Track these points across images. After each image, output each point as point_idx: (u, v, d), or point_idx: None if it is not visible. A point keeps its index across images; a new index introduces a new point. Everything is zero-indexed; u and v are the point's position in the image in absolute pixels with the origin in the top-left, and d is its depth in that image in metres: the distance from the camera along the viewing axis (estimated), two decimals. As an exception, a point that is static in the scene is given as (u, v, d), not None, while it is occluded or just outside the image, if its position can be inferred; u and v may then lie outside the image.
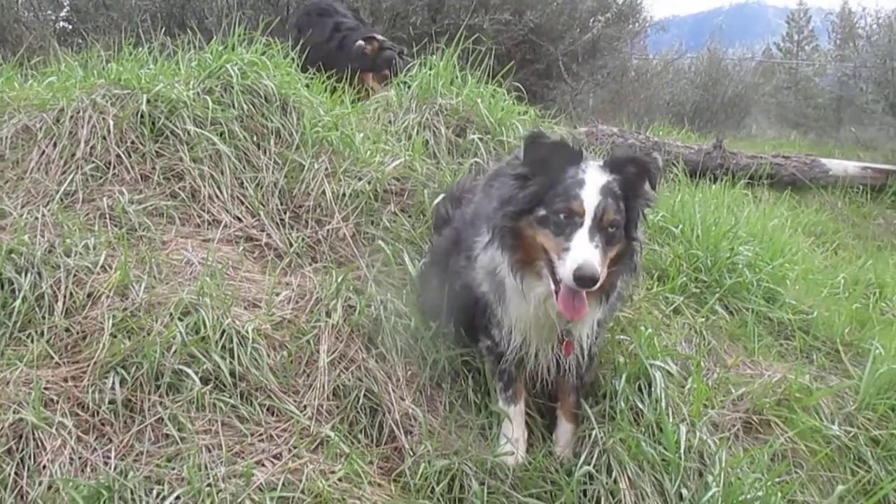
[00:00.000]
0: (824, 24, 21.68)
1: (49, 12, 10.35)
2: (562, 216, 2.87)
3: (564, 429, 3.50)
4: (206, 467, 2.91)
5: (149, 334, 3.22)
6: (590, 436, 3.34)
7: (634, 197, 3.03)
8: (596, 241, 2.83)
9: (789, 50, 25.74)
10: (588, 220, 2.85)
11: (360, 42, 7.17)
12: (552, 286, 2.94)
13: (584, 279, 2.76)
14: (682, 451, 3.26)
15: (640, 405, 3.45)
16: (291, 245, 4.09)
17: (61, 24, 10.63)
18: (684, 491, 3.17)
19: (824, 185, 9.55)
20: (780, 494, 3.16)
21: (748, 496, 3.10)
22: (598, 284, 2.80)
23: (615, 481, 3.20)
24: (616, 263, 3.02)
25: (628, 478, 3.20)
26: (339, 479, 3.00)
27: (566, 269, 2.80)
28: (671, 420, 3.37)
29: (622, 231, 2.97)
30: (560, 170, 2.97)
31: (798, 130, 18.88)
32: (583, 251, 2.79)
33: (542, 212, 2.93)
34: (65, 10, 10.69)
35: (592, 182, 2.91)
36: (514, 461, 3.30)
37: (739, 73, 18.00)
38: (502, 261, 3.11)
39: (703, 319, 4.24)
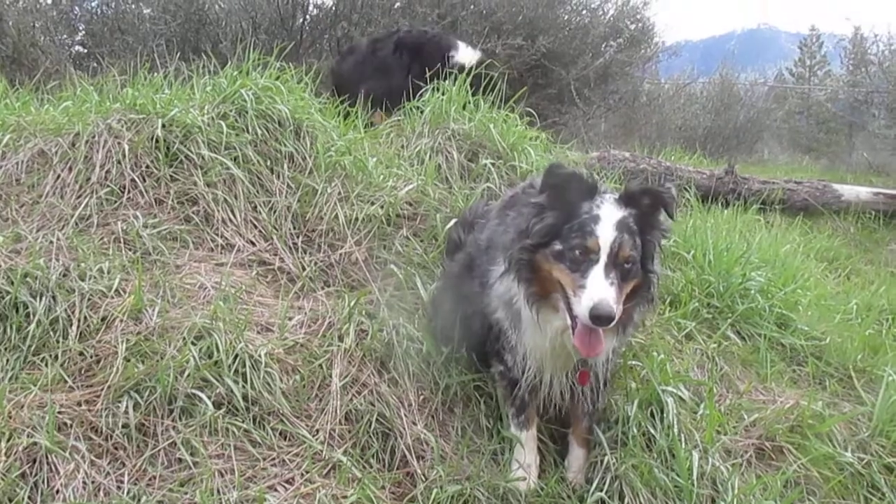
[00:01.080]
0: (836, 50, 21.73)
1: (65, 36, 10.46)
2: (577, 252, 2.87)
3: (576, 454, 3.49)
4: (218, 492, 2.91)
5: (162, 358, 3.23)
6: (602, 462, 3.34)
7: (650, 230, 3.04)
8: (612, 278, 2.83)
9: (801, 75, 25.84)
10: (604, 257, 2.84)
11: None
12: (569, 321, 2.93)
13: (600, 318, 2.76)
14: (694, 477, 3.24)
15: (653, 431, 3.44)
16: (304, 269, 4.12)
17: (77, 48, 10.73)
18: (697, 518, 3.15)
19: (836, 210, 9.51)
20: (793, 522, 3.14)
21: (762, 524, 3.08)
22: (613, 322, 2.81)
23: (628, 506, 3.19)
24: (633, 296, 3.02)
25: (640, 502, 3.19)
26: (352, 504, 3.00)
27: (582, 307, 2.80)
28: (684, 446, 3.36)
29: (638, 265, 2.96)
30: (576, 203, 2.98)
31: (810, 155, 18.88)
32: (598, 289, 2.79)
33: (558, 246, 2.93)
34: (80, 34, 10.80)
35: (608, 217, 2.91)
36: (525, 487, 3.29)
37: (751, 98, 18.01)
38: (518, 292, 3.11)
39: (716, 345, 4.23)
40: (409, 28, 8.13)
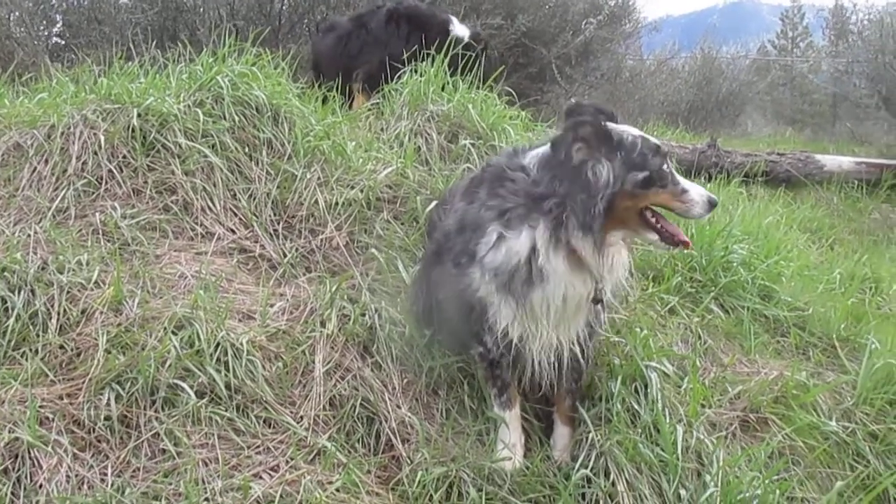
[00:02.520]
0: (818, 21, 21.71)
1: (42, 28, 10.36)
2: (664, 167, 3.06)
3: (561, 433, 3.50)
4: (203, 481, 2.90)
5: (143, 349, 3.21)
6: (587, 439, 3.33)
7: None
8: None
9: (784, 47, 25.83)
10: (671, 166, 3.12)
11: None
12: (653, 236, 3.14)
13: (714, 202, 3.12)
14: (679, 451, 3.24)
15: (637, 407, 3.43)
16: (285, 255, 4.09)
17: (54, 39, 10.64)
18: (682, 491, 3.15)
19: (819, 181, 9.55)
20: (778, 492, 3.15)
21: (746, 494, 3.08)
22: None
23: (613, 484, 3.18)
24: None
25: (626, 480, 3.19)
26: (337, 490, 2.98)
27: (699, 203, 3.09)
28: (668, 421, 3.36)
29: None
30: (613, 134, 3.05)
31: (794, 127, 18.91)
32: (695, 185, 3.12)
33: (640, 175, 3.03)
34: (58, 25, 10.71)
35: (644, 134, 3.12)
36: (511, 466, 3.28)
37: (733, 72, 18.01)
38: (549, 248, 3.07)
39: (699, 319, 4.24)
40: (397, 1, 8.01)
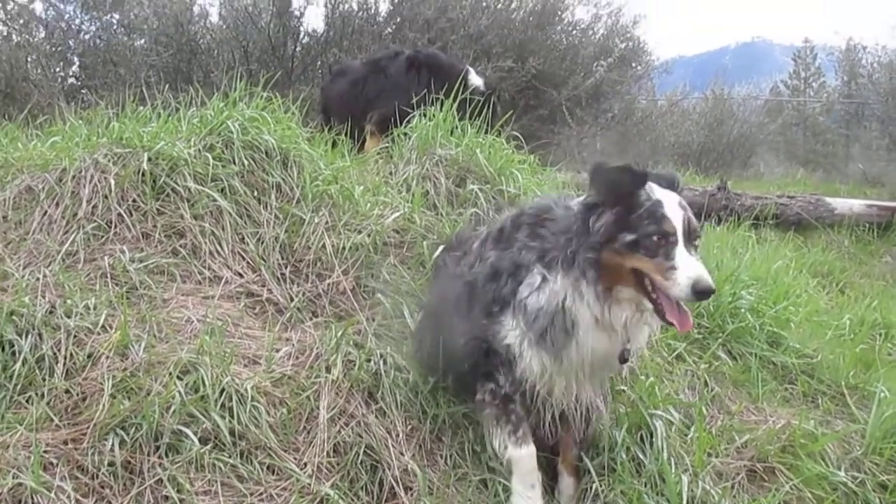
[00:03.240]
0: (830, 62, 21.79)
1: (58, 70, 10.51)
2: (655, 238, 2.94)
3: (567, 483, 3.47)
4: (205, 528, 2.90)
5: (148, 394, 3.21)
6: (591, 489, 3.33)
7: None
8: (692, 254, 2.94)
9: (797, 87, 25.84)
10: (680, 237, 2.94)
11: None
12: (648, 306, 3.03)
13: (704, 292, 2.89)
14: (684, 501, 3.23)
15: (642, 456, 3.43)
16: (292, 300, 4.11)
17: (70, 81, 10.79)
18: (688, 543, 3.13)
19: (830, 224, 9.53)
20: (785, 544, 3.12)
21: (753, 547, 3.06)
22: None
23: (618, 535, 3.17)
24: None
25: (631, 531, 3.18)
26: (339, 538, 2.98)
27: (681, 286, 2.88)
28: (673, 470, 3.35)
29: None
30: (633, 194, 3.01)
31: (806, 168, 18.89)
32: (693, 266, 2.89)
33: (628, 237, 2.97)
34: (74, 66, 10.86)
35: (669, 200, 3.00)
36: None
37: (744, 113, 18.06)
38: (582, 293, 3.10)
39: (706, 366, 4.23)
40: (415, 49, 8.10)
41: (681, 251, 2.91)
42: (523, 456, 3.33)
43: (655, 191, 3.03)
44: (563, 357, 3.21)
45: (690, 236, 2.96)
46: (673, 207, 2.97)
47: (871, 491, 3.71)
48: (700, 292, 2.87)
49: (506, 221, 3.59)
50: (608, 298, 3.08)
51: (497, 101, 6.80)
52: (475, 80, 7.00)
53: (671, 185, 3.14)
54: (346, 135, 6.03)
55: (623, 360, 3.22)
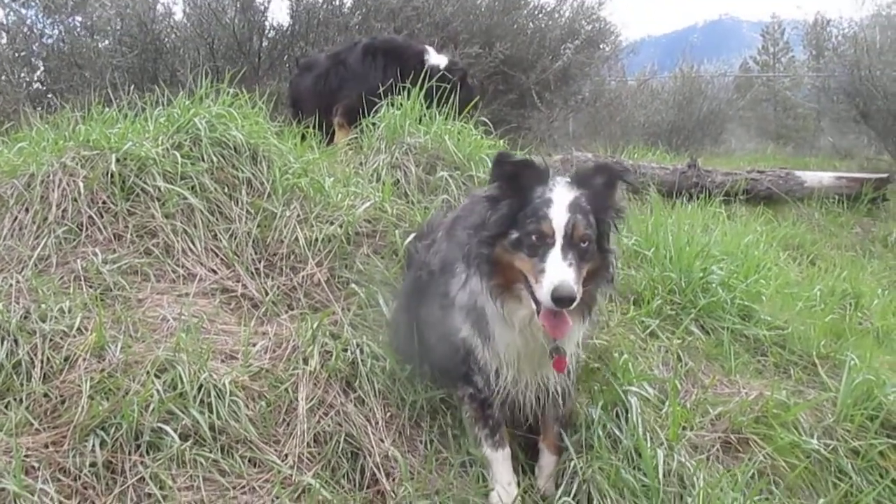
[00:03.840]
0: (798, 36, 21.91)
1: (22, 75, 10.41)
2: (534, 237, 2.90)
3: (547, 461, 3.49)
4: (189, 524, 2.92)
5: (126, 394, 3.23)
6: (569, 467, 3.36)
7: (604, 209, 3.06)
8: (570, 259, 2.85)
9: (766, 63, 25.99)
10: (559, 239, 2.87)
11: None
12: (534, 306, 2.95)
13: (562, 300, 2.78)
14: (661, 475, 3.28)
15: (618, 432, 3.47)
16: (267, 294, 4.13)
17: (35, 85, 10.69)
18: (666, 515, 3.19)
19: (800, 197, 9.63)
20: (760, 512, 3.18)
21: (728, 516, 3.12)
22: (575, 303, 2.82)
23: (596, 510, 3.22)
24: (593, 277, 3.05)
25: (609, 504, 3.23)
26: (323, 527, 3.01)
27: (543, 291, 2.82)
28: (649, 445, 3.40)
29: (594, 245, 2.98)
30: (528, 189, 3.00)
31: (777, 143, 19.03)
32: (558, 272, 2.81)
33: (514, 234, 2.96)
34: (39, 71, 10.76)
35: (560, 200, 2.94)
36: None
37: (714, 90, 18.14)
38: (481, 289, 3.12)
39: (679, 341, 4.28)
40: (373, 36, 8.07)
41: (554, 255, 2.86)
42: (499, 458, 3.38)
43: (555, 189, 2.99)
44: (496, 351, 3.25)
45: (572, 240, 2.88)
46: (560, 208, 2.91)
47: (843, 457, 3.77)
48: (557, 299, 2.78)
49: (459, 210, 3.62)
50: (502, 295, 3.06)
51: (462, 82, 6.77)
52: (435, 60, 6.96)
53: (584, 182, 3.04)
54: (315, 128, 6.02)
55: (551, 356, 3.18)
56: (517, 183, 3.03)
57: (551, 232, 2.88)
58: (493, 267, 3.04)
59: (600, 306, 3.41)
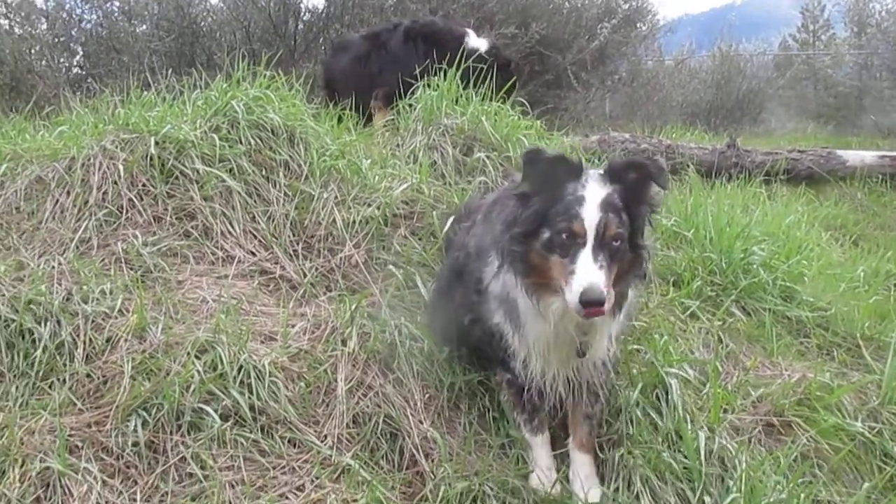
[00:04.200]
0: (839, 13, 21.49)
1: (62, 60, 10.53)
2: (564, 237, 2.83)
3: (581, 461, 3.33)
4: (230, 503, 2.94)
5: (168, 375, 3.27)
6: (611, 457, 3.34)
7: (638, 204, 2.97)
8: (601, 261, 2.79)
9: (805, 41, 25.49)
10: (591, 239, 2.80)
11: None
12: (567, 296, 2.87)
13: (590, 303, 2.72)
14: (702, 457, 3.24)
15: (658, 415, 3.44)
16: (305, 275, 4.14)
17: (74, 70, 10.80)
18: (707, 498, 3.15)
19: (842, 176, 9.43)
20: (803, 495, 3.13)
21: (771, 499, 3.07)
22: (605, 306, 2.76)
23: (637, 496, 3.19)
24: (624, 276, 2.98)
25: (650, 489, 3.20)
26: (362, 507, 3.02)
27: (572, 293, 2.75)
28: (690, 427, 3.36)
29: (626, 244, 2.91)
30: (560, 186, 2.93)
31: (818, 122, 18.71)
32: (587, 274, 2.75)
33: (546, 234, 2.90)
34: (78, 56, 10.87)
35: (592, 197, 2.86)
36: (546, 490, 3.24)
37: (753, 69, 17.87)
38: (514, 284, 3.08)
39: (720, 323, 4.23)
40: (413, 19, 8.02)
41: (585, 255, 2.79)
42: (538, 442, 3.38)
43: (587, 185, 2.91)
44: (526, 341, 3.22)
45: (604, 240, 2.81)
46: (592, 206, 2.84)
47: (888, 440, 3.70)
48: (585, 302, 2.72)
49: (499, 193, 3.58)
50: (538, 291, 3.00)
51: (504, 65, 6.72)
52: (475, 42, 6.94)
53: (616, 177, 2.96)
54: (351, 109, 6.01)
55: (580, 354, 3.16)
56: (549, 179, 2.96)
57: (583, 231, 2.81)
58: (526, 266, 2.99)
59: (633, 305, 3.36)
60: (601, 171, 3.01)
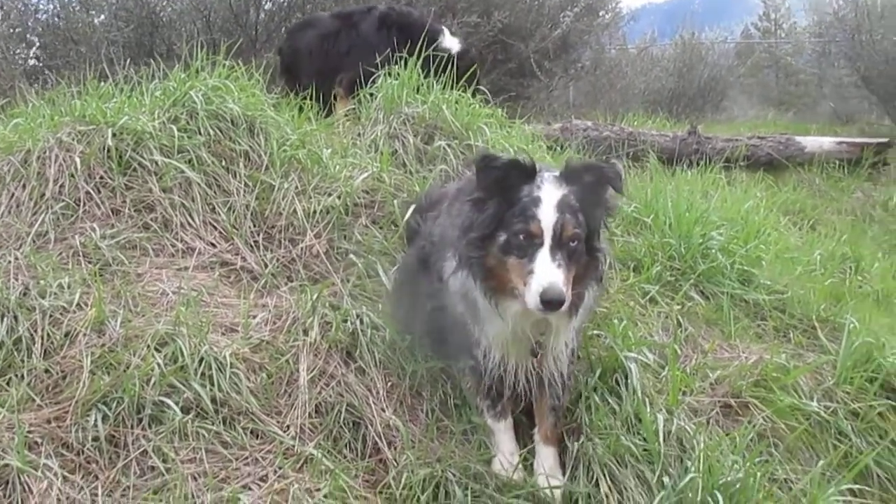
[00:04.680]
0: (799, 2, 21.70)
1: (18, 51, 10.35)
2: (521, 238, 2.86)
3: (546, 453, 3.38)
4: (192, 496, 2.93)
5: (127, 368, 3.24)
6: (572, 445, 3.38)
7: (594, 207, 3.00)
8: (559, 260, 2.81)
9: (767, 29, 25.72)
10: (548, 240, 2.83)
11: None
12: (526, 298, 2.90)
13: (550, 303, 2.75)
14: (661, 439, 3.29)
15: (618, 399, 3.48)
16: (266, 266, 4.13)
17: (31, 62, 10.63)
18: (666, 479, 3.19)
19: (801, 162, 9.60)
20: (759, 474, 3.18)
21: (728, 478, 3.12)
22: (564, 306, 2.80)
23: (597, 481, 3.24)
24: (582, 278, 3.01)
25: (609, 474, 3.24)
26: (325, 496, 3.02)
27: (532, 293, 2.78)
28: (649, 409, 3.41)
29: (583, 244, 2.94)
30: (515, 189, 2.95)
31: (779, 109, 18.92)
32: (546, 274, 2.78)
33: (502, 237, 2.91)
34: (34, 47, 10.69)
35: (548, 198, 2.88)
36: (509, 475, 3.27)
37: (714, 57, 18.03)
38: (473, 286, 3.09)
39: (679, 307, 4.28)
40: (389, 6, 7.85)
41: (543, 255, 2.82)
42: (501, 428, 3.41)
43: (542, 187, 2.93)
44: (486, 334, 3.26)
45: (561, 240, 2.84)
46: (548, 207, 2.87)
47: (842, 419, 3.79)
48: (546, 302, 2.75)
49: (461, 183, 3.59)
50: (496, 294, 3.03)
51: (468, 65, 6.66)
52: (448, 43, 6.82)
53: (572, 178, 2.99)
54: (312, 95, 5.95)
55: (534, 353, 3.20)
56: (504, 183, 2.97)
57: (540, 232, 2.84)
58: (484, 269, 3.01)
59: (589, 307, 3.37)
60: (556, 173, 3.04)
